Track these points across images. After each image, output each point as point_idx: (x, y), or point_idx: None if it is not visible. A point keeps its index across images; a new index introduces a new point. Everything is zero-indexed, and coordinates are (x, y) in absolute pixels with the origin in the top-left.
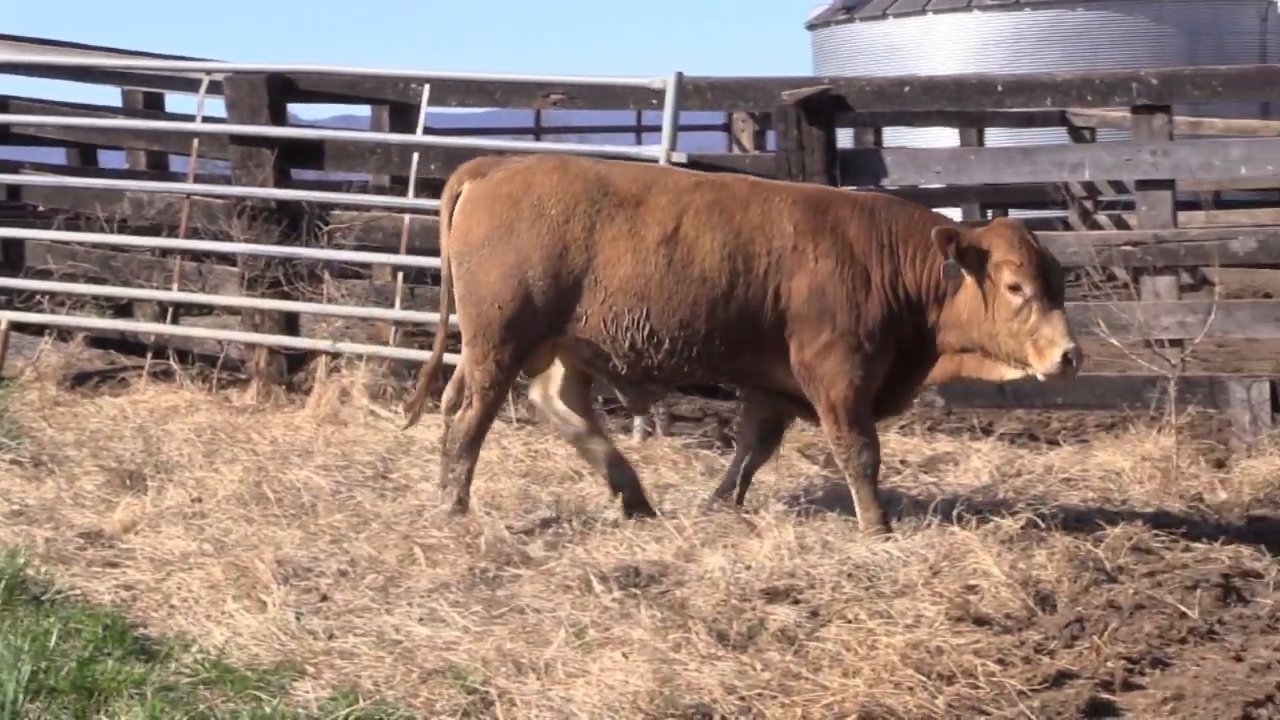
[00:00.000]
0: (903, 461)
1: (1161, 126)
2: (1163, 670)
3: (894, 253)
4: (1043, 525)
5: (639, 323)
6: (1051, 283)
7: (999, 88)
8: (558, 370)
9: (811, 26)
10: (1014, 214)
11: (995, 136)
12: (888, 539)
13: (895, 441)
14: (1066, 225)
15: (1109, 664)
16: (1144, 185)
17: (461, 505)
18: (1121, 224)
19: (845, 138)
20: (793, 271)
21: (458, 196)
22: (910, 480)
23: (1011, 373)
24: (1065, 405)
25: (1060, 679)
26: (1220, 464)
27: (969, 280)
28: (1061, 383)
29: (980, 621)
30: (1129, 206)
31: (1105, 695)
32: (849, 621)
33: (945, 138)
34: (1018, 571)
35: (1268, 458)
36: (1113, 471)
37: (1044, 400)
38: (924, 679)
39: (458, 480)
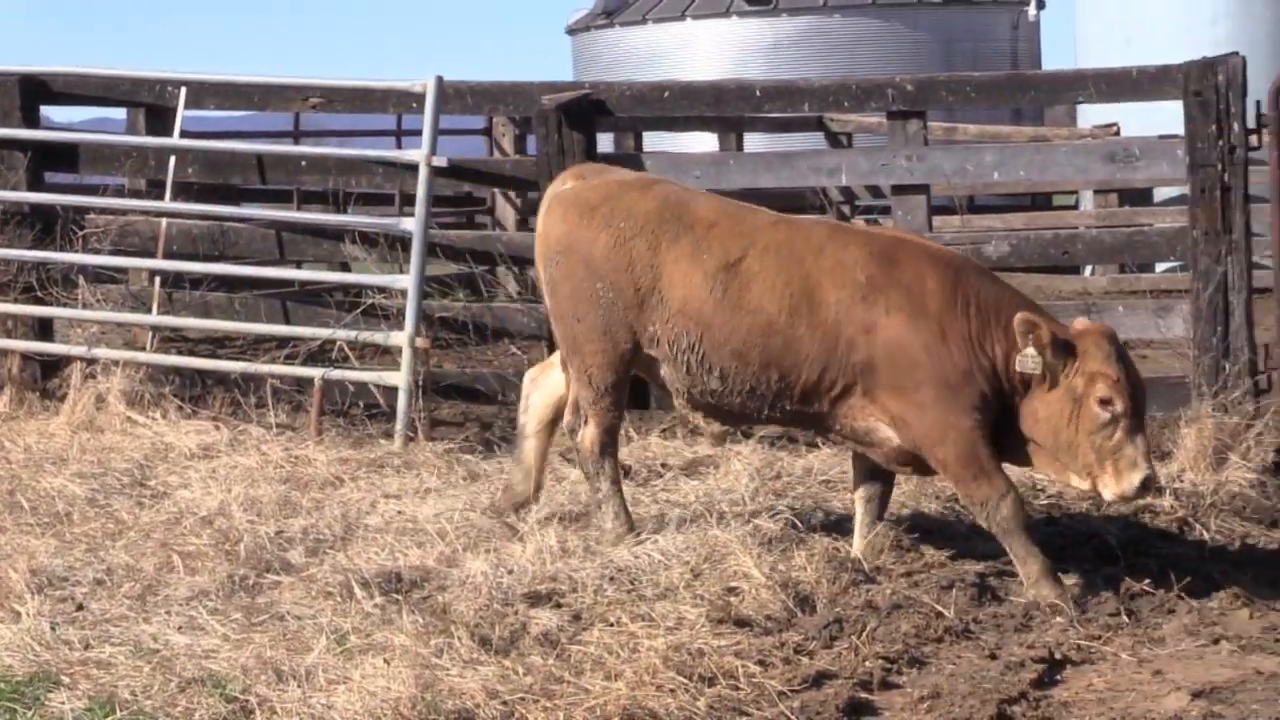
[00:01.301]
0: (664, 465)
1: (916, 132)
2: (920, 669)
3: (983, 313)
4: (802, 527)
5: (694, 346)
6: (1139, 402)
7: (757, 93)
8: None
9: (571, 31)
10: None
11: (754, 141)
12: (643, 541)
13: (657, 445)
14: None
15: (867, 663)
16: (899, 190)
17: (622, 521)
18: None
19: (606, 142)
20: (865, 323)
21: None
22: (672, 483)
23: (1079, 482)
24: None
25: (820, 679)
26: None
27: (1060, 381)
28: (1123, 504)
29: (741, 623)
30: (885, 211)
31: (864, 694)
32: (611, 625)
33: (705, 142)
34: (778, 573)
35: None
36: None
37: None
38: (686, 681)
39: (606, 498)
